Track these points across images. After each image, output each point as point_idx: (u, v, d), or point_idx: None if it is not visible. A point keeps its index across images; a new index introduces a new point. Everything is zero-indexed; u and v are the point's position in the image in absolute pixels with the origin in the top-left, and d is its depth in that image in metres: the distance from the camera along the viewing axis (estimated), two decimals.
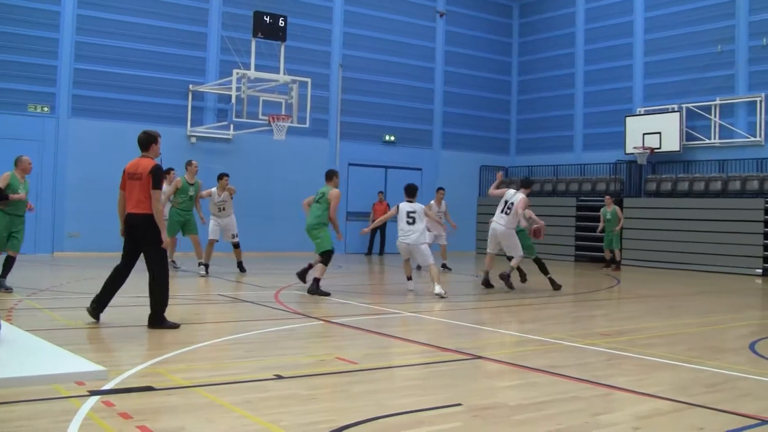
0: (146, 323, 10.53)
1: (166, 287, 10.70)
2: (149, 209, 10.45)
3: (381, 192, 28.53)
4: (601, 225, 24.67)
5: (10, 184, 13.86)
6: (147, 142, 10.95)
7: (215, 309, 13.29)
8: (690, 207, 25.03)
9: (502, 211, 16.98)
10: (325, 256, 15.54)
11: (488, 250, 17.50)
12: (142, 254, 10.78)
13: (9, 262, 14.06)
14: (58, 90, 24.00)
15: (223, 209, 19.29)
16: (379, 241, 28.37)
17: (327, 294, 15.07)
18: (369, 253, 28.62)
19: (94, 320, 10.61)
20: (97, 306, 10.78)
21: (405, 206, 16.10)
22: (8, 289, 13.80)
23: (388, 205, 27.54)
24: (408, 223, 15.96)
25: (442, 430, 5.95)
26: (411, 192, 16.29)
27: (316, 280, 15.30)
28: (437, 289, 15.43)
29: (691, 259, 24.49)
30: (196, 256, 18.98)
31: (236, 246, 19.62)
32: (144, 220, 10.49)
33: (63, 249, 23.74)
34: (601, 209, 24.83)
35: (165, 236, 10.70)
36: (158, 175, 10.52)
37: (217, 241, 19.20)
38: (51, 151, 23.78)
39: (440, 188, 22.05)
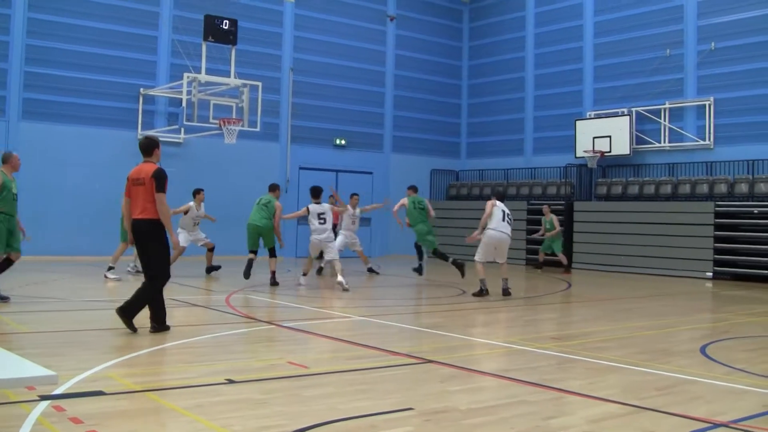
0: (96, 327, 10.43)
1: (150, 297, 10.59)
2: (155, 214, 10.41)
3: (332, 196, 28.44)
4: (542, 230, 25.27)
5: (3, 183, 13.47)
6: (149, 147, 10.79)
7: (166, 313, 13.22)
8: (640, 210, 25.22)
9: (503, 220, 17.03)
10: (274, 251, 18.61)
11: (486, 259, 17.10)
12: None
13: (7, 265, 13.56)
14: (8, 93, 23.73)
15: (197, 224, 19.66)
16: None
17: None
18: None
19: (132, 330, 10.34)
20: (124, 312, 10.44)
21: (315, 208, 17.92)
22: (4, 299, 13.30)
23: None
24: (320, 223, 17.84)
25: None
26: (317, 194, 18.26)
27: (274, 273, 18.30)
28: (340, 278, 17.40)
29: (641, 263, 24.68)
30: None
31: (212, 249, 20.38)
32: (150, 225, 10.43)
33: None
34: (542, 218, 25.36)
35: (175, 238, 10.79)
36: (162, 178, 10.45)
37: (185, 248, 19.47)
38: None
39: (354, 194, 22.21)
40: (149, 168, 10.54)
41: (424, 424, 6.26)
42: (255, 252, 18.66)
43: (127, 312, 10.34)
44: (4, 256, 13.32)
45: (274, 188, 18.95)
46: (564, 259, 24.79)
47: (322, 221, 17.84)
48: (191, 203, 19.83)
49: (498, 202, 17.24)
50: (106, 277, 17.85)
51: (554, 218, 24.69)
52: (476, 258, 16.96)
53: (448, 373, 8.34)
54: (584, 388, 7.73)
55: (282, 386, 7.57)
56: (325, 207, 18.08)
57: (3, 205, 13.25)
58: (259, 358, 9.17)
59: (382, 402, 6.94)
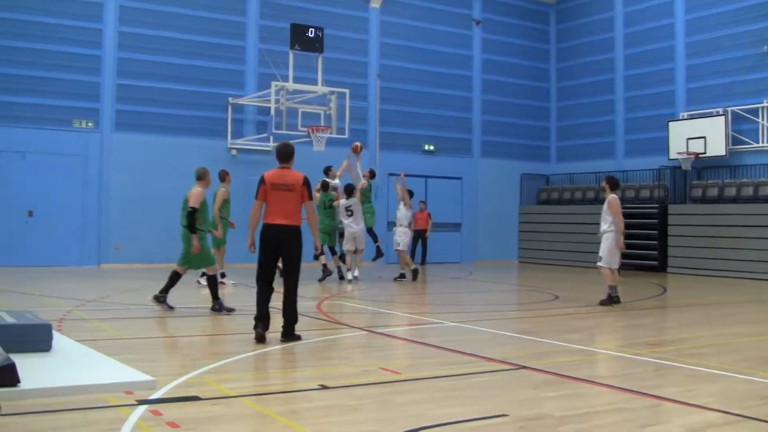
0: (191, 333, 10.55)
1: (296, 302, 10.54)
2: (299, 221, 10.43)
3: (422, 201, 28.41)
4: None
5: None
6: (290, 153, 10.82)
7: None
8: (738, 213, 24.58)
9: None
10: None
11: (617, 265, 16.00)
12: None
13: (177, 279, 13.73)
14: (101, 105, 24.26)
15: None
16: (420, 251, 28.19)
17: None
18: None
19: (262, 343, 10.08)
20: (264, 326, 10.30)
21: (344, 202, 20.04)
22: (171, 308, 13.48)
23: (429, 215, 27.57)
24: (348, 215, 19.99)
25: None
26: (349, 191, 20.10)
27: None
28: (356, 272, 19.99)
29: (739, 267, 24.06)
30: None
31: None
32: (296, 232, 10.38)
33: (108, 261, 23.94)
34: None
35: (318, 243, 11.21)
36: (310, 186, 10.68)
37: None
38: (95, 166, 24.04)
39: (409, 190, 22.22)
40: (297, 175, 10.61)
41: (518, 430, 6.19)
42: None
43: (289, 332, 10.37)
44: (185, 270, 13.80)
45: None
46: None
47: (349, 213, 19.99)
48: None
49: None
50: (222, 283, 17.52)
51: None
52: (604, 263, 15.86)
53: (541, 380, 8.25)
54: (682, 395, 7.54)
55: (374, 392, 7.57)
56: (352, 201, 19.99)
57: (203, 223, 13.58)
58: (352, 364, 9.18)
59: (474, 408, 6.89)
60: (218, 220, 17.51)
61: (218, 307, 13.20)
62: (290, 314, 10.38)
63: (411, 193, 22.01)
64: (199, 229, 13.14)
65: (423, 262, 27.88)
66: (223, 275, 17.99)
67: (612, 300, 15.66)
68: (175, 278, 13.51)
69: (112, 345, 9.78)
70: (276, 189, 10.40)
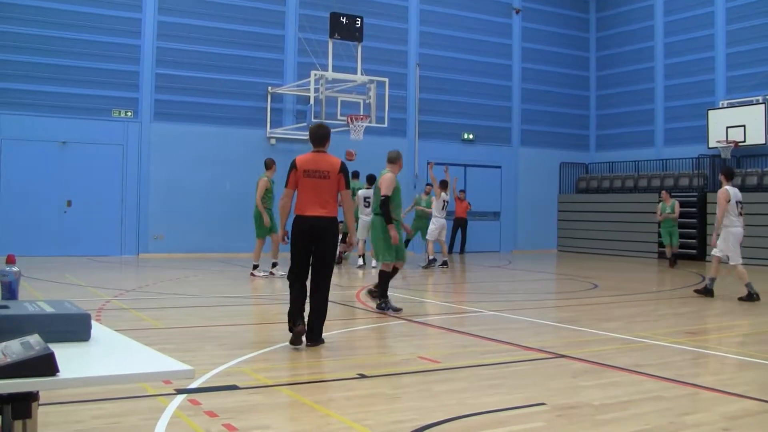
0: (229, 323, 10.60)
1: (327, 301, 9.49)
2: (336, 212, 9.34)
3: (462, 191, 28.34)
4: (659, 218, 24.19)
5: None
6: (325, 136, 9.49)
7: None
8: None
9: (739, 214, 15.05)
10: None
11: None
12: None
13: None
14: (140, 95, 24.39)
15: None
16: (459, 240, 28.16)
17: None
18: (449, 251, 28.40)
19: (298, 345, 9.16)
20: (304, 327, 9.20)
21: (363, 193, 20.79)
22: (397, 309, 12.46)
23: (468, 204, 27.67)
24: (365, 206, 20.63)
25: (525, 430, 5.92)
26: (370, 181, 20.84)
27: None
28: (375, 263, 18.68)
29: None
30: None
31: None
32: (333, 223, 9.29)
33: (148, 251, 24.11)
34: (659, 204, 24.21)
35: (354, 238, 10.30)
36: (348, 173, 9.50)
37: None
38: (134, 155, 24.19)
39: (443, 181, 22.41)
40: (333, 160, 9.38)
41: (556, 419, 6.18)
42: None
43: (318, 334, 9.26)
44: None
45: (355, 176, 20.92)
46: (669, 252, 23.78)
47: (366, 204, 20.57)
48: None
49: (732, 189, 15.02)
50: (253, 275, 17.70)
51: (676, 203, 23.73)
52: (736, 261, 15.00)
53: (580, 368, 8.22)
54: (721, 384, 7.50)
55: (413, 381, 7.57)
56: (369, 192, 20.39)
57: (396, 210, 12.19)
58: (391, 353, 9.20)
59: (513, 397, 6.88)
60: (263, 210, 17.53)
61: (384, 305, 12.19)
62: (321, 314, 9.32)
63: (444, 183, 22.01)
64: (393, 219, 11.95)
65: (462, 251, 27.88)
66: (274, 265, 17.94)
67: (752, 297, 14.88)
68: (386, 277, 12.23)
69: (151, 334, 9.85)
70: (309, 176, 9.19)
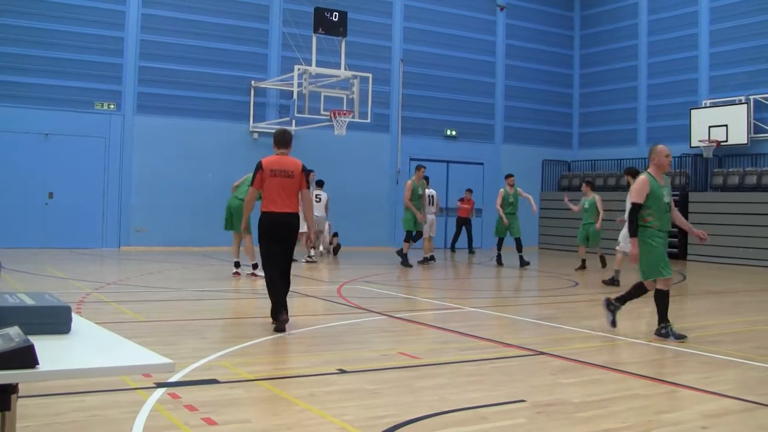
0: (209, 317, 10.60)
1: (290, 277, 10.34)
2: (297, 208, 10.18)
3: (469, 190, 28.34)
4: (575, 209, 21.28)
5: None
6: (289, 140, 10.55)
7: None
8: (758, 201, 24.51)
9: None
10: (407, 234, 20.56)
11: None
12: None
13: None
14: (123, 88, 24.32)
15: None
16: (466, 237, 27.98)
17: (411, 266, 20.05)
18: (452, 249, 28.30)
19: (282, 333, 9.73)
20: (286, 314, 9.98)
21: (428, 192, 21.65)
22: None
23: (473, 203, 28.25)
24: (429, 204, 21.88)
25: (505, 426, 5.93)
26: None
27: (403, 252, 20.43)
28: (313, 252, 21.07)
29: (759, 255, 24.02)
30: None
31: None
32: (296, 219, 10.22)
33: (129, 243, 24.06)
34: (581, 199, 21.08)
35: (313, 234, 10.93)
36: (308, 173, 10.53)
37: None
38: (117, 148, 24.11)
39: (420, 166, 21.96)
40: (296, 162, 10.32)
41: (536, 416, 6.20)
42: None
43: (285, 303, 10.04)
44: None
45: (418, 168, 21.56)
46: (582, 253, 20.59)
47: (431, 202, 21.99)
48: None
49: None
50: (254, 275, 16.51)
51: (597, 198, 20.68)
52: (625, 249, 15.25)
53: (560, 366, 8.25)
54: (699, 382, 7.55)
55: (393, 377, 7.59)
56: (432, 191, 22.27)
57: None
58: (371, 349, 9.20)
59: (493, 393, 6.90)
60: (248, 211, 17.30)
61: (665, 331, 9.99)
62: (287, 288, 10.23)
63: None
64: (645, 226, 10.27)
65: (470, 249, 27.89)
66: (255, 266, 16.90)
67: (614, 282, 16.69)
68: (639, 291, 10.64)
69: (131, 327, 9.84)
70: (276, 175, 10.08)
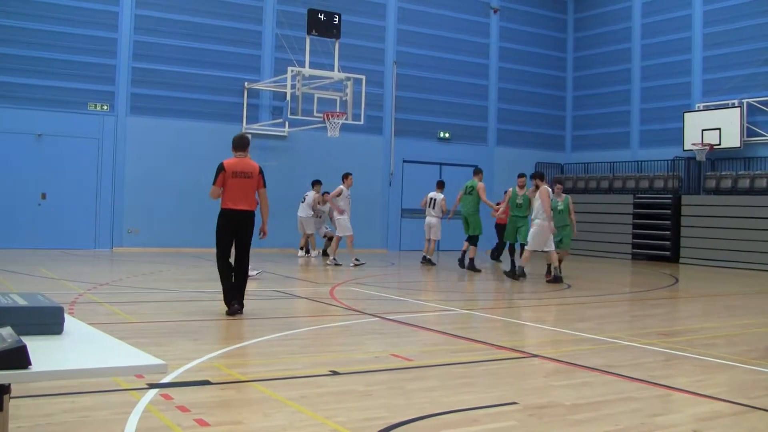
0: (202, 318, 10.63)
1: (247, 268, 11.56)
2: (255, 206, 11.33)
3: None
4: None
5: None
6: (247, 144, 11.72)
7: (270, 305, 13.34)
8: (751, 205, 24.54)
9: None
10: (475, 239, 20.22)
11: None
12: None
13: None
14: (116, 89, 24.29)
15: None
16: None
17: (479, 271, 19.79)
18: (498, 259, 24.66)
19: (236, 315, 11.02)
20: (234, 301, 11.17)
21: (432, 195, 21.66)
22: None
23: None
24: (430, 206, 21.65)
25: (497, 429, 5.94)
26: (440, 186, 21.75)
27: (472, 260, 19.84)
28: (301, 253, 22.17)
29: (751, 258, 24.02)
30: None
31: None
32: (253, 215, 11.28)
33: (122, 244, 24.03)
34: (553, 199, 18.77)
35: (266, 228, 11.89)
36: (264, 174, 11.50)
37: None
38: (110, 149, 24.08)
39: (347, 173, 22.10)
40: (254, 164, 11.49)
41: (528, 418, 6.20)
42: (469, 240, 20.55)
43: (242, 293, 11.31)
44: None
45: (476, 172, 21.24)
46: (555, 259, 18.55)
47: (432, 205, 21.57)
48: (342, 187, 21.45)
49: (549, 189, 18.04)
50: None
51: (570, 199, 19.41)
52: (532, 247, 17.96)
53: (552, 368, 8.26)
54: (692, 385, 7.56)
55: (385, 378, 7.58)
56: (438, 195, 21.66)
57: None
58: (363, 351, 9.20)
59: (485, 396, 6.90)
60: None
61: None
62: (245, 278, 11.37)
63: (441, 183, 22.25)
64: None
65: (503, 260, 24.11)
66: None
67: (557, 279, 17.89)
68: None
69: (124, 328, 9.82)
70: (237, 176, 11.13)
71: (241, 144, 11.56)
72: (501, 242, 23.47)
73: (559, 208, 18.85)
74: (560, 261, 18.52)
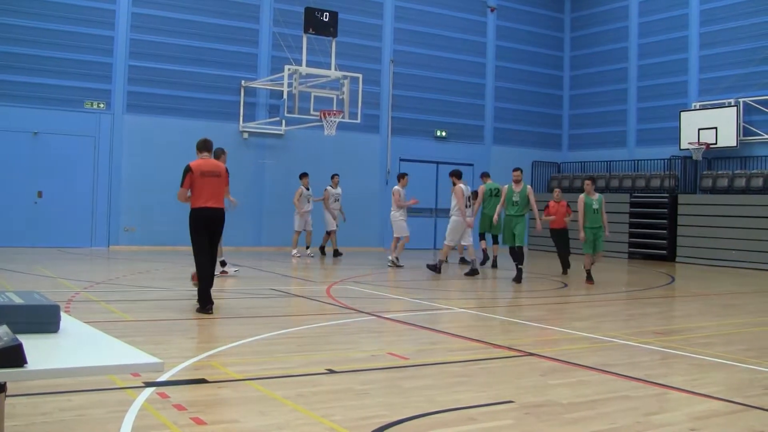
0: (199, 316, 10.63)
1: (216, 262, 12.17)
2: (224, 204, 11.73)
3: (558, 189, 23.33)
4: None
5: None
6: (210, 146, 12.08)
7: (267, 303, 13.34)
8: (747, 204, 24.53)
9: (467, 206, 19.66)
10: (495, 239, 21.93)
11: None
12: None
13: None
14: (113, 87, 24.25)
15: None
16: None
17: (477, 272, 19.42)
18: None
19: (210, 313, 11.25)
20: (210, 306, 11.42)
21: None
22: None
23: (568, 206, 22.43)
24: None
25: (493, 427, 5.94)
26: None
27: (473, 260, 19.69)
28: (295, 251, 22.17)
29: (747, 257, 24.04)
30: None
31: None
32: (223, 213, 11.64)
33: (119, 243, 24.00)
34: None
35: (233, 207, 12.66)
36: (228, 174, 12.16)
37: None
38: (106, 147, 24.05)
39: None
40: (219, 163, 12.23)
41: (525, 417, 6.21)
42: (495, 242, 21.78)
43: (211, 283, 11.62)
44: None
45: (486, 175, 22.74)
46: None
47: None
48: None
49: (465, 187, 19.63)
50: (224, 272, 16.74)
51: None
52: (450, 243, 19.50)
53: (548, 367, 8.26)
54: (688, 384, 7.57)
55: (382, 377, 7.59)
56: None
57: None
58: (360, 349, 9.19)
59: (481, 394, 6.90)
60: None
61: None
62: (211, 284, 11.53)
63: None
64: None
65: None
66: (223, 263, 16.90)
67: (438, 269, 19.15)
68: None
69: (120, 327, 9.82)
70: (205, 175, 11.46)
71: (205, 146, 11.93)
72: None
73: (594, 207, 18.24)
74: (592, 263, 18.23)
